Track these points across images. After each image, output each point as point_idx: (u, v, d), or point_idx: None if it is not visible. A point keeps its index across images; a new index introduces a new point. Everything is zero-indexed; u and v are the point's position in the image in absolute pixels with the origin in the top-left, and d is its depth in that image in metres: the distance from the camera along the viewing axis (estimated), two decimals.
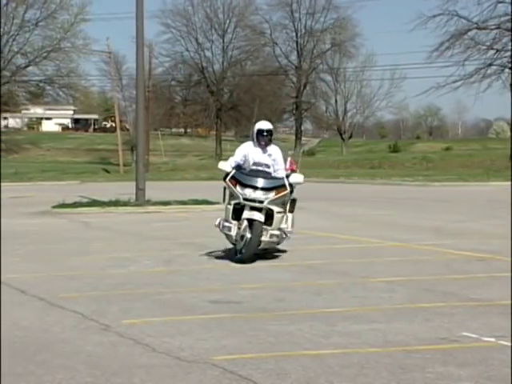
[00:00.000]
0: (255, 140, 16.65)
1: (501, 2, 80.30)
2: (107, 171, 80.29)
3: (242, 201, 16.03)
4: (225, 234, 16.38)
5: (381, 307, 11.34)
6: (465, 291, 12.84)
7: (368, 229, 23.09)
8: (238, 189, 16.12)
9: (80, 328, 10.50)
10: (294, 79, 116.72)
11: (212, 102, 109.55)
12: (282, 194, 16.18)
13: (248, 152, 16.68)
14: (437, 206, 34.00)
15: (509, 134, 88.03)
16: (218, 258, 17.06)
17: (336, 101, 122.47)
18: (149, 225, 26.02)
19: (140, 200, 32.78)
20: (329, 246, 19.19)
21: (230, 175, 16.36)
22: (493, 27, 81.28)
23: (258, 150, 16.62)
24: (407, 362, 8.63)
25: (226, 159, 17.36)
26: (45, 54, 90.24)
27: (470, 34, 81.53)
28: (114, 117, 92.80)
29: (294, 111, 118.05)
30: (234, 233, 16.06)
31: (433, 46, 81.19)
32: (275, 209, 16.07)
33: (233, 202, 16.32)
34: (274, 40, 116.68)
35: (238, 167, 16.60)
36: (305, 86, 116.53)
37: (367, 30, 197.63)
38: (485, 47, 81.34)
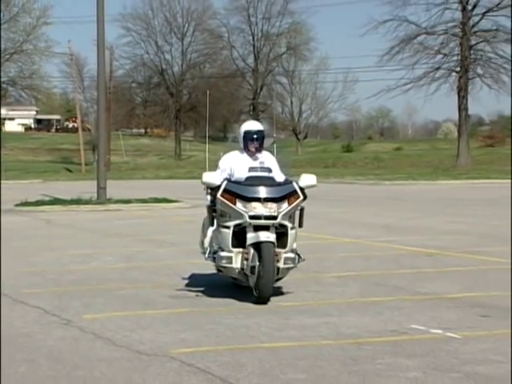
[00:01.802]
0: (242, 145, 12.36)
1: (448, 9, 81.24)
2: (69, 170, 79.91)
3: (247, 220, 11.49)
4: (222, 267, 12.04)
5: (334, 301, 11.40)
6: (413, 285, 12.94)
7: (322, 226, 23.16)
8: (239, 205, 11.54)
9: (42, 323, 10.47)
10: (251, 81, 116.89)
11: (171, 103, 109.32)
12: (296, 203, 11.75)
13: (234, 164, 12.32)
14: (388, 203, 34.18)
15: (456, 134, 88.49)
16: (177, 255, 17.01)
17: (291, 102, 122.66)
18: (110, 222, 25.96)
19: (101, 198, 32.76)
20: None
21: (222, 189, 11.68)
22: (440, 32, 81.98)
23: (246, 158, 12.29)
24: (359, 354, 8.68)
25: (212, 170, 12.89)
26: (7, 56, 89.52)
27: (419, 38, 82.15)
28: (76, 117, 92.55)
29: (251, 112, 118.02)
30: (237, 265, 11.67)
31: (383, 50, 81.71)
32: (289, 224, 11.74)
33: (231, 224, 11.65)
34: (231, 43, 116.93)
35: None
36: (261, 88, 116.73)
37: (321, 34, 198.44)
38: (433, 52, 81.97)
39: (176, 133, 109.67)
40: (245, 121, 13.21)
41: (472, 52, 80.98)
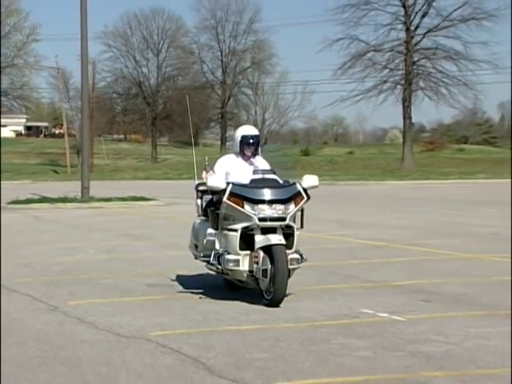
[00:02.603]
0: (238, 150, 11.31)
1: (393, 29, 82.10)
2: (56, 172, 79.40)
3: (257, 222, 10.35)
4: (229, 270, 10.67)
5: (293, 289, 11.38)
6: (364, 274, 12.98)
7: None
8: (248, 208, 10.40)
9: (31, 309, 10.42)
10: (220, 92, 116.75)
11: (148, 112, 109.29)
12: (301, 204, 10.78)
13: (229, 168, 11.26)
14: (342, 201, 34.27)
15: (401, 140, 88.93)
16: (154, 247, 16.99)
17: (255, 111, 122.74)
18: (93, 219, 25.86)
19: (85, 197, 32.68)
20: None
21: (228, 192, 10.50)
22: (387, 50, 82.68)
23: (242, 162, 11.27)
24: (315, 336, 8.69)
25: (206, 170, 11.69)
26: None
27: (368, 55, 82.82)
28: (62, 124, 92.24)
29: (220, 120, 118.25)
30: (244, 267, 10.50)
31: (337, 65, 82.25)
32: (295, 225, 10.71)
33: (239, 227, 10.47)
34: (201, 58, 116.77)
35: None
36: (229, 99, 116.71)
37: (282, 50, 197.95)
38: (380, 67, 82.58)
39: (152, 138, 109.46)
40: (239, 127, 11.80)
41: (415, 67, 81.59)
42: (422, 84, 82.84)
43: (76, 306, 10.48)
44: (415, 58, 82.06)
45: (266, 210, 10.39)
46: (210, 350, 8.04)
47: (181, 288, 11.84)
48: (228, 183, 10.61)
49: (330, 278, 12.78)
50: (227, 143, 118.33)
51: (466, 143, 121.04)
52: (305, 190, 10.83)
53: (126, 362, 7.67)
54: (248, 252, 10.46)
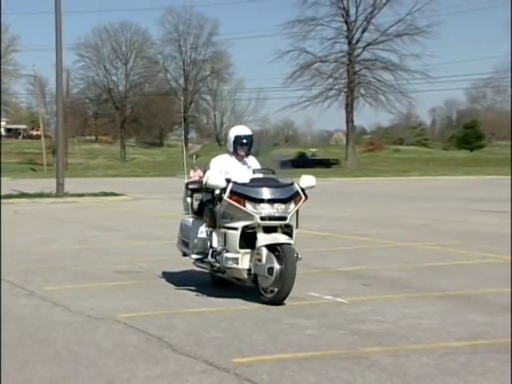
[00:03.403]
0: (232, 149, 10.44)
1: (337, 42, 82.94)
2: (34, 170, 78.68)
3: (258, 221, 9.44)
4: (227, 268, 9.71)
5: None
6: (311, 261, 12.98)
7: None
8: (249, 206, 9.49)
9: (11, 294, 10.31)
10: (182, 98, 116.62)
11: (117, 115, 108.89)
12: (300, 203, 9.88)
13: (224, 167, 10.32)
14: None
15: (344, 141, 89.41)
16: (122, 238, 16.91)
17: (214, 115, 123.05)
18: (67, 212, 25.68)
19: (60, 192, 32.50)
20: None
21: (229, 191, 9.61)
22: (331, 61, 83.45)
23: (235, 161, 10.42)
24: (267, 316, 8.70)
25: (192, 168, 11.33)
26: None
27: (315, 65, 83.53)
28: (39, 127, 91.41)
29: (182, 123, 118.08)
30: (243, 266, 9.57)
31: (288, 74, 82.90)
32: (294, 225, 9.87)
33: (239, 225, 9.56)
34: (165, 68, 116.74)
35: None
36: (190, 104, 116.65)
37: (238, 61, 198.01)
38: (326, 76, 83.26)
39: (121, 139, 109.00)
40: (233, 127, 10.81)
41: (356, 77, 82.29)
42: (362, 91, 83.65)
43: (51, 291, 10.39)
44: (356, 69, 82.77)
45: (268, 209, 9.51)
46: (173, 330, 8.02)
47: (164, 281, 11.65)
48: (228, 182, 9.72)
49: None
50: (189, 144, 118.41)
51: (401, 144, 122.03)
52: (302, 190, 9.95)
53: (97, 341, 7.62)
54: (248, 250, 9.52)
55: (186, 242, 10.74)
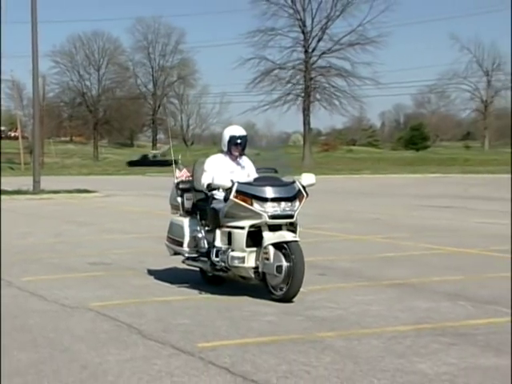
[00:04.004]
0: (226, 149, 9.81)
1: (295, 51, 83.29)
2: (12, 169, 77.87)
3: (267, 220, 8.83)
4: (233, 267, 9.08)
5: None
6: None
7: None
8: (257, 206, 8.86)
9: None
10: (151, 102, 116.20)
11: (90, 118, 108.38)
12: (303, 201, 9.32)
13: (219, 166, 9.66)
14: None
15: (302, 142, 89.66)
16: (96, 232, 16.81)
17: (181, 118, 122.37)
18: (43, 208, 25.46)
19: (36, 189, 32.25)
20: None
21: (235, 190, 8.99)
22: (290, 68, 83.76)
23: (229, 161, 9.78)
24: (231, 304, 8.69)
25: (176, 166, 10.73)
26: None
27: (274, 72, 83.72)
28: (17, 128, 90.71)
29: (151, 125, 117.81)
30: (249, 264, 8.95)
31: (249, 79, 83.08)
32: (297, 222, 9.22)
33: (246, 224, 8.93)
34: (135, 74, 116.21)
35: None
36: (159, 107, 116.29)
37: (203, 67, 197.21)
38: (284, 82, 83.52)
39: (94, 140, 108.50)
40: (227, 127, 10.10)
41: (312, 83, 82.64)
42: (318, 96, 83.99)
43: (28, 282, 10.30)
44: (312, 75, 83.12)
45: (275, 208, 8.91)
46: (142, 318, 7.99)
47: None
48: (233, 181, 9.08)
49: None
50: (157, 145, 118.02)
51: (354, 145, 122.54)
52: (303, 188, 9.39)
53: (71, 328, 7.58)
54: (253, 249, 8.93)
55: (178, 241, 10.06)
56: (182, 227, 9.99)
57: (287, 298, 8.69)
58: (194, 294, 9.38)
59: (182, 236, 9.94)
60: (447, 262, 11.87)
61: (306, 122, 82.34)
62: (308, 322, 7.77)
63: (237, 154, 9.78)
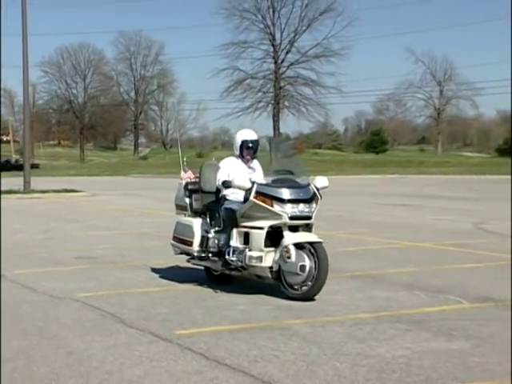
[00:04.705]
0: (238, 153, 9.28)
1: (265, 62, 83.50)
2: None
3: (287, 221, 8.40)
4: (250, 266, 8.56)
5: (182, 260, 11.31)
6: None
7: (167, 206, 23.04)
8: (277, 207, 8.42)
9: None
10: (133, 108, 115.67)
11: (77, 123, 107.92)
12: (318, 203, 8.87)
13: (232, 169, 9.13)
14: None
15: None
16: (82, 229, 16.70)
17: (161, 123, 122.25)
18: (33, 206, 25.25)
19: (27, 189, 31.96)
20: (157, 219, 19.11)
21: (255, 191, 8.56)
22: (260, 78, 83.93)
23: (241, 164, 9.28)
24: (206, 295, 8.68)
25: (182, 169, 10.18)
26: None
27: (246, 81, 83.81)
28: (9, 133, 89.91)
29: (133, 130, 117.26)
30: (267, 264, 8.45)
31: (224, 88, 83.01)
32: (313, 223, 8.83)
33: (266, 225, 8.45)
34: (119, 83, 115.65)
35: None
36: (140, 113, 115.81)
37: (181, 76, 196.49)
38: (256, 90, 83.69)
39: (80, 144, 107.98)
40: (240, 131, 9.52)
41: (281, 91, 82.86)
42: (287, 104, 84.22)
43: (19, 275, 10.21)
44: (282, 84, 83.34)
45: (295, 209, 8.47)
46: (124, 307, 7.95)
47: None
48: (253, 183, 8.64)
49: None
50: (139, 148, 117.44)
51: (319, 148, 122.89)
52: (317, 190, 8.90)
53: (58, 317, 7.53)
54: (271, 249, 8.46)
55: (187, 241, 9.49)
56: (191, 227, 9.47)
57: (309, 296, 8.21)
58: (172, 285, 9.36)
59: (192, 236, 9.42)
60: (404, 255, 11.94)
61: (276, 127, 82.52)
62: (277, 310, 7.77)
63: (248, 157, 9.29)
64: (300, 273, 8.23)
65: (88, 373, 5.61)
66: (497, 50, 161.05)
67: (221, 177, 9.07)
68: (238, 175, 8.84)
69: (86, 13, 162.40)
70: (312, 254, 8.29)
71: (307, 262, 8.25)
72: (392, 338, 6.53)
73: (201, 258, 9.37)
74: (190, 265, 10.68)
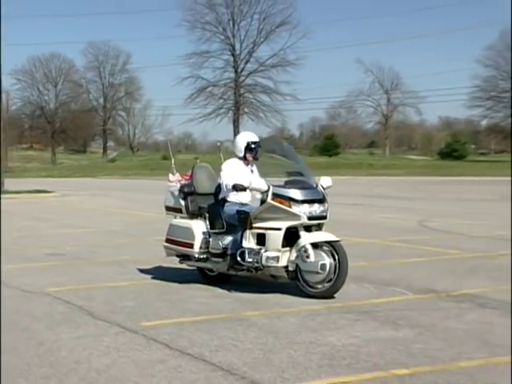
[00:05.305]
0: (242, 154, 8.84)
1: (226, 71, 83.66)
2: None
3: (306, 221, 8.09)
4: (266, 266, 8.15)
5: (157, 254, 11.28)
6: None
7: (144, 207, 22.97)
8: (295, 208, 8.06)
9: None
10: (102, 114, 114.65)
11: (48, 128, 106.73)
12: (328, 202, 8.50)
13: (235, 171, 8.72)
14: None
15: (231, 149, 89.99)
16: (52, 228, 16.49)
17: (128, 128, 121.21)
18: (6, 206, 24.81)
19: (0, 190, 31.45)
20: (124, 218, 18.97)
21: (272, 193, 8.15)
22: (222, 85, 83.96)
23: (243, 165, 8.83)
24: (169, 289, 8.64)
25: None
26: None
27: (208, 89, 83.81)
28: None
29: (102, 134, 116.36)
30: (282, 263, 8.10)
31: (187, 95, 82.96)
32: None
33: (283, 225, 8.05)
34: (88, 90, 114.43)
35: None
36: (108, 119, 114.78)
37: (147, 84, 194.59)
38: (217, 97, 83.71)
39: (52, 147, 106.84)
40: (242, 133, 9.26)
41: (241, 98, 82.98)
42: (246, 110, 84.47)
43: None
44: (241, 92, 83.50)
45: (312, 209, 8.15)
46: (92, 301, 7.88)
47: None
48: (269, 185, 8.19)
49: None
50: (108, 151, 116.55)
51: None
52: (324, 190, 8.51)
53: (30, 310, 7.43)
54: (287, 248, 8.10)
55: (186, 243, 8.93)
56: (190, 229, 8.91)
57: (330, 294, 7.90)
58: (138, 279, 9.29)
59: (192, 238, 8.86)
60: (354, 251, 11.96)
61: (236, 132, 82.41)
62: (236, 303, 7.77)
63: (251, 159, 8.84)
64: (321, 271, 7.91)
65: (57, 362, 5.55)
66: (439, 62, 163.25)
67: (227, 180, 8.54)
68: (255, 178, 8.45)
69: (58, 24, 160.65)
70: (330, 253, 7.99)
71: (327, 261, 7.94)
72: (342, 328, 6.57)
73: (199, 260, 8.89)
74: (155, 260, 10.64)
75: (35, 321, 6.98)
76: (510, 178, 36.96)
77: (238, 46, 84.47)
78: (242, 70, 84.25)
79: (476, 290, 8.26)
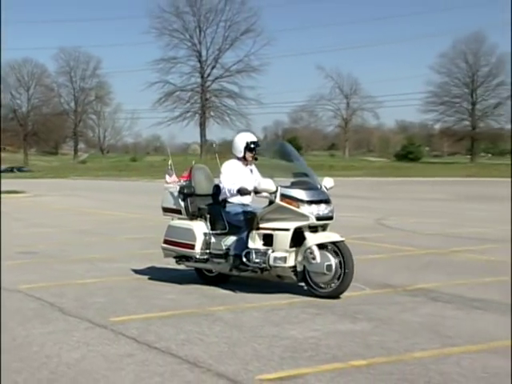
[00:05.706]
0: (241, 155, 8.49)
1: (193, 76, 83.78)
2: None
3: (315, 221, 7.76)
4: (273, 267, 7.82)
5: (125, 253, 11.20)
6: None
7: (114, 206, 22.80)
8: (303, 208, 7.73)
9: None
10: (73, 117, 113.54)
11: (21, 130, 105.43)
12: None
13: (236, 171, 8.42)
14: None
15: (199, 151, 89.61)
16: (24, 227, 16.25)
17: (99, 131, 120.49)
18: None
19: None
20: (95, 217, 18.80)
21: (280, 194, 7.80)
22: (189, 90, 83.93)
23: (242, 165, 8.50)
24: (138, 285, 8.58)
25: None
26: None
27: (176, 93, 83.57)
28: None
29: (73, 136, 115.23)
30: (290, 264, 7.76)
31: (155, 99, 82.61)
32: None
33: (291, 226, 7.69)
34: (59, 94, 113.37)
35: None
36: (79, 122, 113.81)
37: (117, 88, 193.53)
38: (185, 101, 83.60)
39: (24, 149, 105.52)
40: (240, 133, 8.87)
41: (207, 102, 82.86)
42: (212, 114, 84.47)
43: None
44: (208, 96, 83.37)
45: (319, 210, 7.82)
46: (63, 297, 7.78)
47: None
48: (277, 186, 7.85)
49: (150, 246, 12.51)
50: (78, 153, 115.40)
51: None
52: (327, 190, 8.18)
53: (2, 307, 7.29)
54: (293, 249, 7.76)
55: (187, 244, 8.54)
56: (191, 231, 8.51)
57: (337, 293, 7.63)
58: (107, 277, 9.20)
59: (194, 239, 8.46)
60: None
61: (203, 135, 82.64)
62: (202, 298, 7.74)
63: (250, 159, 8.50)
64: (327, 272, 7.62)
65: (29, 357, 5.47)
66: (395, 68, 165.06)
67: (230, 185, 8.21)
68: (263, 179, 8.11)
69: (30, 30, 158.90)
70: (335, 253, 7.69)
71: (333, 261, 7.64)
72: (303, 322, 6.59)
73: (200, 261, 8.51)
74: (126, 258, 10.56)
75: (7, 317, 6.86)
76: (460, 179, 37.45)
77: (204, 53, 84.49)
78: (209, 75, 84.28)
79: (430, 285, 8.36)
